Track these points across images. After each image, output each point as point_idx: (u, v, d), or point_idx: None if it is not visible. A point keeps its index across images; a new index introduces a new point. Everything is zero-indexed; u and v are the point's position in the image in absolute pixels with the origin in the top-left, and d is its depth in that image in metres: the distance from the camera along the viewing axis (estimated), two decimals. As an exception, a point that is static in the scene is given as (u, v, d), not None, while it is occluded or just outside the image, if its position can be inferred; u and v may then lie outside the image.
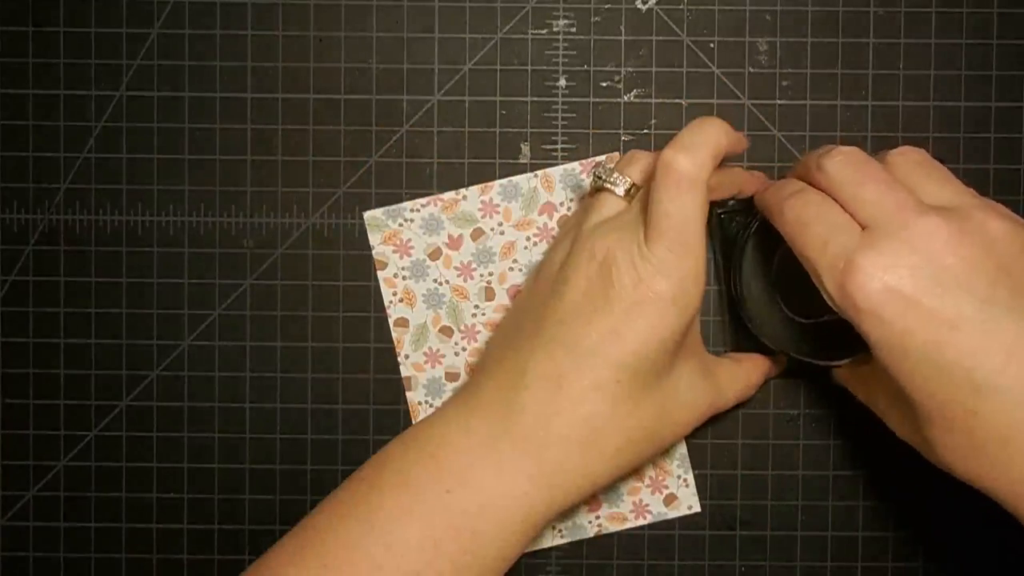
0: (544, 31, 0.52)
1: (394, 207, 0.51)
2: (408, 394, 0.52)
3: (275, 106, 0.52)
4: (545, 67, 0.52)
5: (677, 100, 0.52)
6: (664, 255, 0.43)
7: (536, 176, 0.51)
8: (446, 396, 0.52)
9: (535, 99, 0.52)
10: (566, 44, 0.52)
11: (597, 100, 0.52)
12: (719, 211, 0.49)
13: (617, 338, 0.43)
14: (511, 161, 0.52)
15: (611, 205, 0.46)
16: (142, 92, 0.52)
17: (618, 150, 0.51)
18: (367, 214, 0.51)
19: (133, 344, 0.52)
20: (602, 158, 0.51)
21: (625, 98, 0.52)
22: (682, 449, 0.52)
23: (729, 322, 0.51)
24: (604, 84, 0.52)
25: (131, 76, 0.52)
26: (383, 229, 0.52)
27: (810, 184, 0.44)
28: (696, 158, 0.44)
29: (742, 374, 0.49)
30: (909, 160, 0.44)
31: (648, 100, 0.51)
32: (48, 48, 0.51)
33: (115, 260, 0.52)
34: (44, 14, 0.51)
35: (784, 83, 0.51)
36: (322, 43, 0.52)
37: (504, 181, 0.51)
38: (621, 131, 0.52)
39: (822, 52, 0.51)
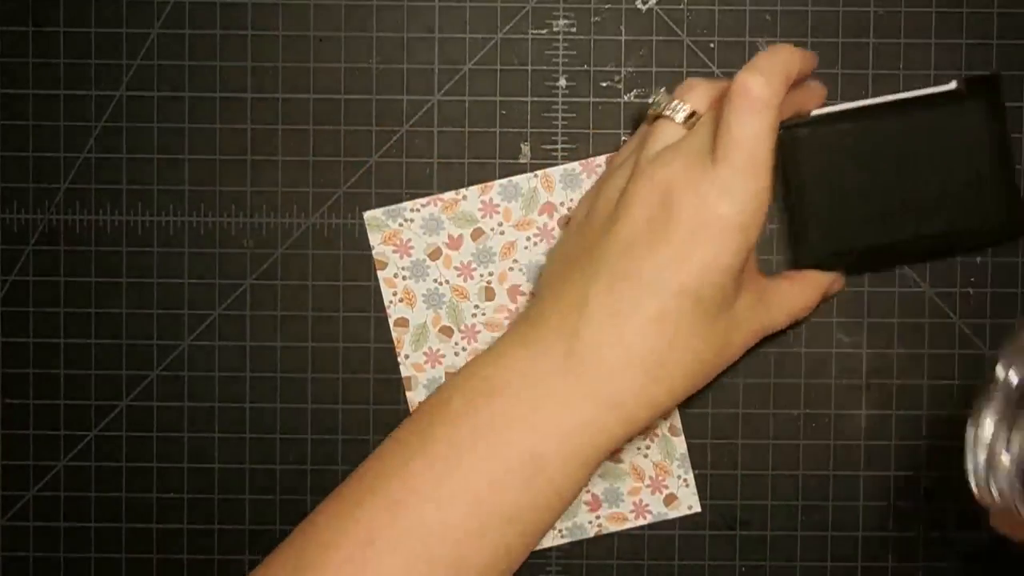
0: (544, 31, 0.52)
1: (394, 207, 0.51)
2: (408, 394, 0.52)
3: (275, 106, 0.52)
4: (545, 67, 0.52)
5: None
6: (730, 177, 0.43)
7: (536, 176, 0.51)
8: None
9: (535, 99, 0.52)
10: (566, 44, 0.52)
11: (597, 100, 0.52)
12: (783, 124, 0.50)
13: (681, 265, 0.43)
14: (511, 161, 0.52)
15: (671, 132, 0.46)
16: (142, 92, 0.52)
17: (618, 150, 0.51)
18: (367, 214, 0.51)
19: (133, 344, 0.52)
20: (601, 159, 0.51)
21: (625, 98, 0.52)
22: (682, 449, 0.52)
23: (788, 241, 0.51)
24: (604, 84, 0.52)
25: (131, 76, 0.52)
26: (383, 229, 0.52)
27: None
28: (771, 82, 0.43)
29: (797, 292, 0.49)
30: None
31: (648, 100, 0.51)
32: (48, 48, 0.51)
33: (115, 260, 0.52)
34: (44, 14, 0.51)
35: (784, 83, 0.51)
36: (322, 43, 0.52)
37: (504, 181, 0.51)
38: (621, 131, 0.52)
39: (822, 52, 0.51)
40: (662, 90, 0.48)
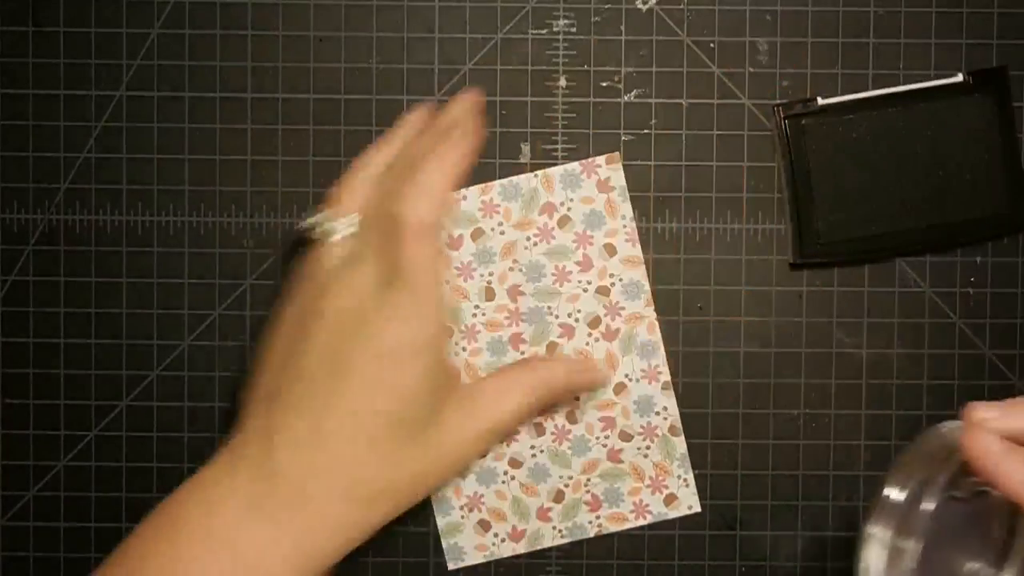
0: (544, 31, 0.52)
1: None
2: None
3: (275, 106, 0.52)
4: (545, 67, 0.52)
5: (677, 100, 0.52)
6: (407, 303, 0.43)
7: (536, 176, 0.51)
8: None
9: (535, 99, 0.52)
10: (566, 44, 0.52)
11: (597, 100, 0.52)
12: (789, 114, 0.50)
13: (369, 390, 0.43)
14: (511, 161, 0.52)
15: (338, 253, 0.46)
16: (142, 92, 0.52)
17: (618, 150, 0.51)
18: None
19: (133, 344, 0.52)
20: (601, 159, 0.51)
21: (625, 98, 0.52)
22: (682, 449, 0.52)
23: (793, 229, 0.51)
24: (604, 84, 0.52)
25: (131, 76, 0.52)
26: (383, 229, 0.52)
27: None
28: (432, 207, 0.44)
29: (499, 395, 0.48)
30: None
31: (648, 100, 0.51)
32: (48, 48, 0.51)
33: (115, 260, 0.52)
34: (44, 14, 0.51)
35: (784, 83, 0.51)
36: (322, 43, 0.52)
37: (504, 181, 0.51)
38: (621, 131, 0.52)
39: (822, 52, 0.51)
40: (314, 213, 0.47)
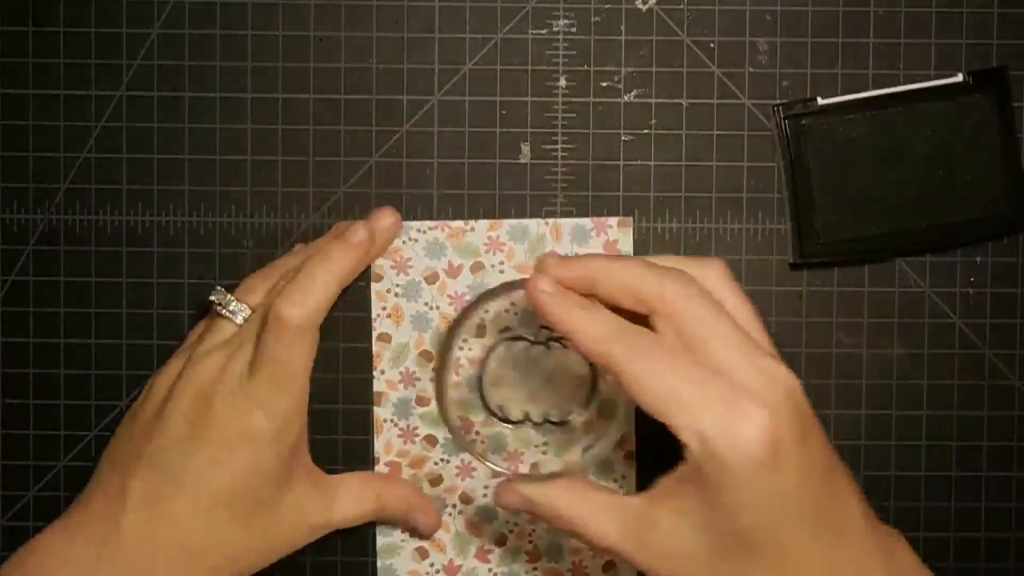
0: (544, 31, 0.52)
1: (401, 223, 0.51)
2: (376, 409, 0.51)
3: (275, 106, 0.52)
4: (545, 67, 0.52)
5: (677, 100, 0.52)
6: (265, 392, 0.46)
7: (547, 224, 0.51)
8: (413, 419, 0.51)
9: (535, 99, 0.52)
10: (566, 44, 0.52)
11: (597, 100, 0.52)
12: (789, 114, 0.50)
13: (216, 468, 0.45)
14: (511, 161, 0.52)
15: (227, 332, 0.48)
16: (142, 92, 0.52)
17: (618, 149, 0.51)
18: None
19: (133, 344, 0.52)
20: (613, 220, 0.51)
21: (625, 98, 0.52)
22: None
23: (793, 229, 0.51)
24: (604, 84, 0.52)
25: (131, 76, 0.52)
26: (386, 243, 0.51)
27: (647, 297, 0.42)
28: (306, 308, 0.46)
29: (365, 499, 0.50)
30: (727, 283, 0.43)
31: (648, 100, 0.51)
32: (48, 48, 0.51)
33: (115, 260, 0.52)
34: (44, 14, 0.51)
35: (784, 83, 0.51)
36: (322, 43, 0.52)
37: (514, 222, 0.51)
38: (621, 131, 0.52)
39: (822, 52, 0.51)
40: (219, 289, 0.49)
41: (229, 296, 0.48)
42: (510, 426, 0.50)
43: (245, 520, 0.46)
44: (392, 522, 0.51)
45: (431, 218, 0.51)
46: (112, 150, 0.52)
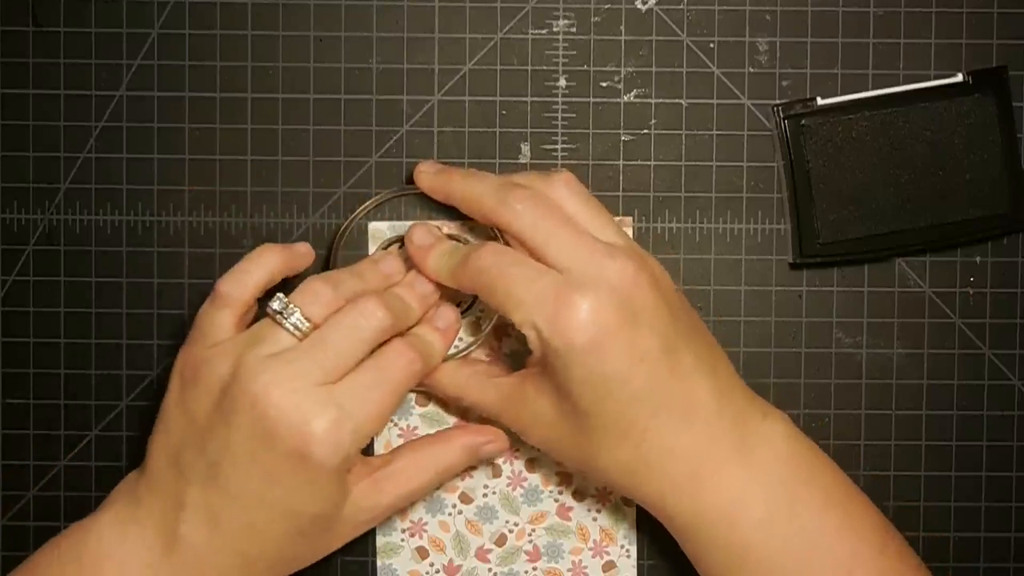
0: (544, 31, 0.52)
1: (399, 224, 0.51)
2: None
3: (275, 106, 0.52)
4: (545, 67, 0.52)
5: (677, 100, 0.52)
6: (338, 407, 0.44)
7: None
8: (413, 419, 0.51)
9: (535, 99, 0.52)
10: (566, 44, 0.52)
11: (597, 100, 0.52)
12: (789, 114, 0.50)
13: (276, 482, 0.44)
14: (511, 161, 0.52)
15: (284, 340, 0.45)
16: (142, 92, 0.52)
17: (618, 149, 0.51)
18: (371, 225, 0.51)
19: (133, 344, 0.52)
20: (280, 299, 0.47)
21: (625, 98, 0.52)
22: (631, 520, 0.51)
23: (793, 229, 0.51)
24: (604, 84, 0.52)
25: (131, 76, 0.52)
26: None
27: (489, 212, 0.46)
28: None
29: (408, 473, 0.48)
30: (573, 193, 0.46)
31: (648, 100, 0.52)
32: (48, 48, 0.51)
33: (115, 260, 0.52)
34: (44, 14, 0.51)
35: (784, 83, 0.51)
36: (322, 43, 0.52)
37: None
38: (621, 131, 0.52)
39: (822, 52, 0.51)
40: (280, 296, 0.45)
41: (292, 306, 0.45)
42: None
43: (304, 531, 0.45)
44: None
45: (431, 218, 0.51)
46: (112, 150, 0.52)
